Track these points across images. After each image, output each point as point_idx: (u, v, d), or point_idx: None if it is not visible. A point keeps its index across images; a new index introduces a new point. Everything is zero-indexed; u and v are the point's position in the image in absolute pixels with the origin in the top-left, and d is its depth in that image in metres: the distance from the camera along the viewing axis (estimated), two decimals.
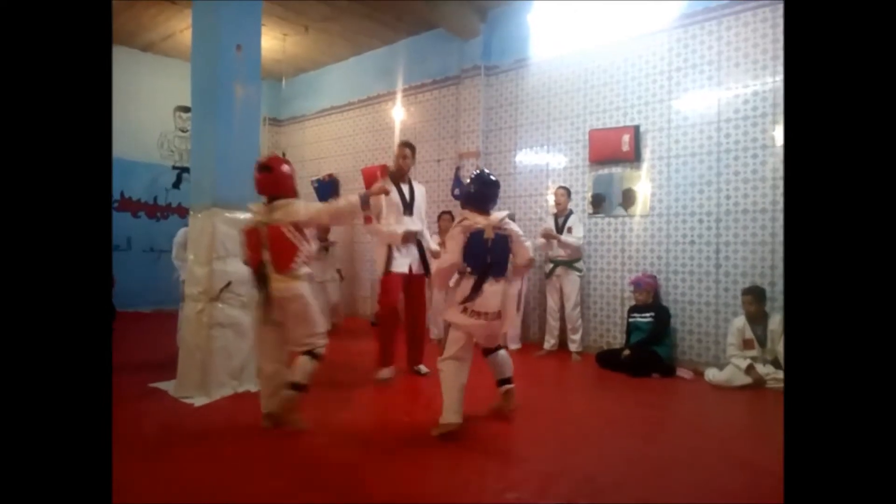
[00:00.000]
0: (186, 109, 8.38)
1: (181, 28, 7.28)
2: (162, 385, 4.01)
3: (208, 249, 3.83)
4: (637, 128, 5.39)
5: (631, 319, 5.08)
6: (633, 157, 5.38)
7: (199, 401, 3.64)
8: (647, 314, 4.93)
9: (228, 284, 3.85)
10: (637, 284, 5.08)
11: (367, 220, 4.07)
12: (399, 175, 4.42)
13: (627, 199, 5.52)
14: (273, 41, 7.58)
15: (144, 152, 8.31)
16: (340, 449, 2.90)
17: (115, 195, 7.88)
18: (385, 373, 4.29)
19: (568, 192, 5.59)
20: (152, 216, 8.35)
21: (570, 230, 5.42)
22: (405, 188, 4.44)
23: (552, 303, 5.54)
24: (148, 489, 2.40)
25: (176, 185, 8.66)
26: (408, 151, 4.44)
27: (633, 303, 5.21)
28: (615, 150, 5.47)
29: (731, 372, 4.39)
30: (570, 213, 5.53)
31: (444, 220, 6.06)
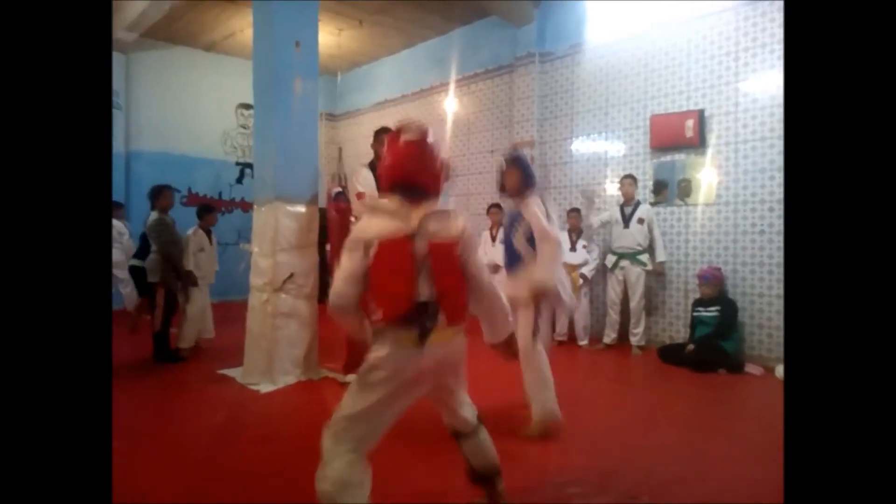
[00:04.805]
0: (248, 106, 8.68)
1: (242, 27, 7.52)
2: (230, 372, 4.20)
3: (272, 242, 3.95)
4: (701, 112, 5.15)
5: (695, 313, 4.87)
6: (698, 143, 5.15)
7: (264, 388, 3.79)
8: (713, 308, 4.72)
9: (291, 276, 3.97)
10: (704, 277, 4.86)
11: (360, 196, 3.68)
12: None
13: (684, 189, 5.31)
14: (329, 36, 7.71)
15: (209, 149, 8.67)
16: (390, 440, 2.93)
17: (183, 191, 8.26)
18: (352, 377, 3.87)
19: (635, 180, 5.39)
20: (217, 210, 8.71)
21: (640, 221, 5.26)
22: None
23: (614, 296, 5.40)
24: (213, 471, 2.52)
25: (239, 180, 9.00)
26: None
27: (697, 296, 5.01)
28: (678, 136, 5.25)
29: None
30: (639, 203, 5.35)
31: (493, 214, 6.03)
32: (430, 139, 1.82)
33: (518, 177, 3.05)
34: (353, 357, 3.89)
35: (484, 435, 2.01)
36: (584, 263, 5.54)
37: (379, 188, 2.91)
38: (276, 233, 3.94)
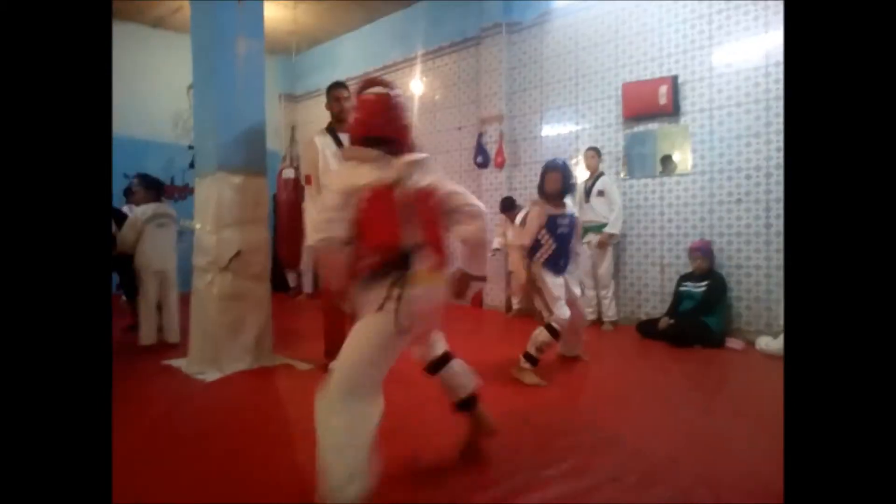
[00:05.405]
0: None
1: None
2: (175, 362, 3.82)
3: (215, 217, 3.58)
4: (675, 78, 4.94)
5: (683, 288, 4.62)
6: (672, 111, 4.94)
7: (210, 376, 3.43)
8: (703, 283, 4.48)
9: (238, 254, 3.60)
10: (702, 250, 4.56)
11: (308, 180, 3.50)
12: (339, 123, 3.56)
13: (658, 159, 5.11)
14: (284, 10, 7.28)
15: (159, 132, 8.12)
16: None
17: (132, 176, 7.72)
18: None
19: (598, 152, 5.20)
20: (170, 197, 8.18)
21: (600, 193, 5.05)
22: (345, 139, 3.44)
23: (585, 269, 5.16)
24: (148, 472, 2.17)
25: (192, 164, 8.46)
26: (345, 93, 3.58)
27: (674, 269, 4.81)
28: (651, 104, 5.03)
29: None
30: (601, 174, 5.15)
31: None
32: (395, 93, 1.91)
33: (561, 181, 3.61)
34: (333, 343, 3.43)
35: (457, 362, 2.14)
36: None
37: (348, 144, 2.72)
38: (220, 206, 3.56)
